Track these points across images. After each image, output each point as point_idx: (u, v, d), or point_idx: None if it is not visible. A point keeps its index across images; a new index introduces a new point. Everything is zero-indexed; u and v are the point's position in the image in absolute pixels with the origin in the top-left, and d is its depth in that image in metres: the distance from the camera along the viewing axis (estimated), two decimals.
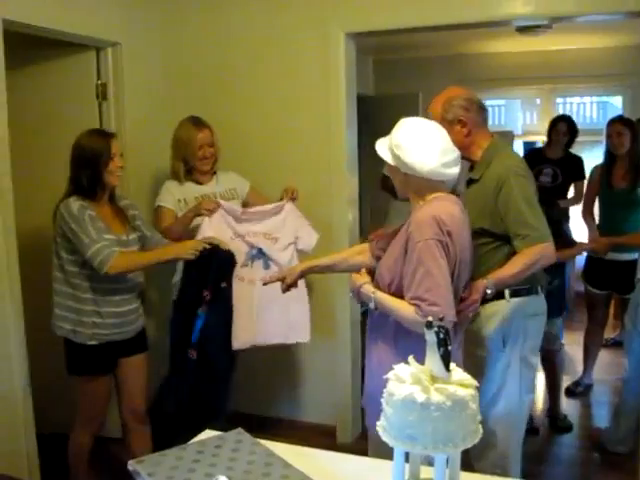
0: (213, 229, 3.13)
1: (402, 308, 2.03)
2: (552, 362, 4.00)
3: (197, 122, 3.33)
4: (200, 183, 3.39)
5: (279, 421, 3.98)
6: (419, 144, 2.05)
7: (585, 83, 6.49)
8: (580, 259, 4.82)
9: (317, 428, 3.92)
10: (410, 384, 1.36)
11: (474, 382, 1.39)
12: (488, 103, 7.26)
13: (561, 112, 6.98)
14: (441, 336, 1.36)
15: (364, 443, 2.41)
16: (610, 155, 4.24)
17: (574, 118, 5.16)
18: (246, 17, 3.76)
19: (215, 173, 3.45)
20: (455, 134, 2.44)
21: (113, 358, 2.89)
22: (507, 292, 2.52)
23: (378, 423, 1.42)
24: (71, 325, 2.78)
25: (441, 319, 1.41)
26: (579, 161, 5.11)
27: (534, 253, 2.39)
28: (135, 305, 2.89)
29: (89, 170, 2.73)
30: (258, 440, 1.92)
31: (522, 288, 2.54)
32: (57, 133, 3.57)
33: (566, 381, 4.60)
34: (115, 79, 3.55)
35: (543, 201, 3.87)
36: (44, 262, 3.41)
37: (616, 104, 7.00)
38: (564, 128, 4.96)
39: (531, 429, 3.90)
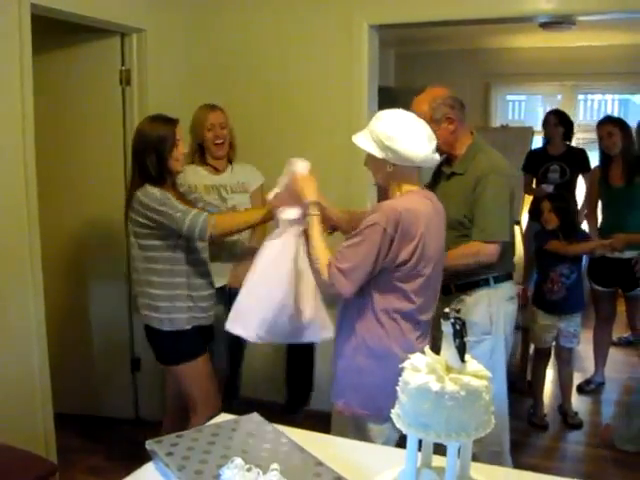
0: None
1: (320, 259, 2.12)
2: (566, 359, 4.02)
3: (209, 105, 3.34)
4: (215, 170, 3.38)
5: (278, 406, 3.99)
6: (409, 133, 2.07)
7: (607, 80, 6.45)
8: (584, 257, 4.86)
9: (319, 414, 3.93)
10: (425, 373, 1.38)
11: (488, 373, 1.42)
12: (508, 98, 7.28)
13: (582, 109, 6.98)
14: (457, 327, 1.38)
15: None
16: (604, 155, 4.25)
17: (595, 116, 5.18)
18: (272, 7, 3.78)
19: (231, 163, 3.43)
20: (442, 131, 2.59)
21: (205, 340, 2.88)
22: (491, 278, 2.71)
23: (393, 410, 1.45)
24: (163, 314, 2.73)
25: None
26: (583, 153, 5.18)
27: (477, 248, 2.60)
28: (212, 291, 2.88)
29: (154, 157, 2.65)
30: (273, 425, 1.96)
31: (503, 274, 2.76)
32: (80, 118, 3.64)
33: (578, 378, 4.61)
34: (139, 65, 3.59)
35: (558, 197, 3.94)
36: (67, 246, 3.49)
37: (638, 102, 6.95)
38: (554, 120, 5.02)
39: (540, 425, 3.94)
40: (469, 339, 2.63)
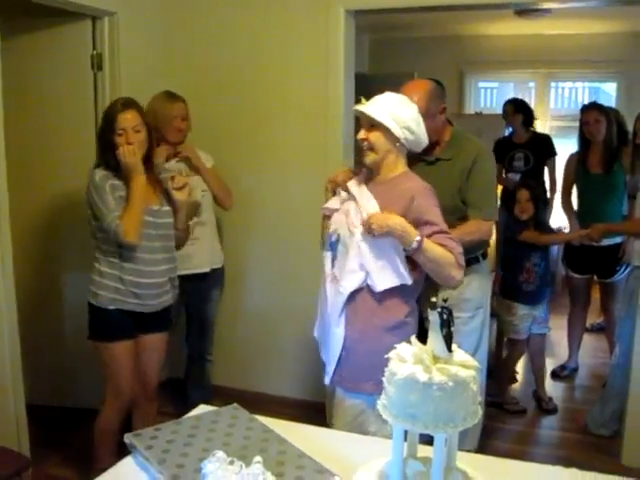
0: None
1: (443, 251, 2.13)
2: (540, 346, 4.06)
3: (170, 95, 3.31)
4: (167, 157, 3.34)
5: (269, 397, 3.97)
6: (420, 120, 2.23)
7: (580, 68, 6.50)
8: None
9: (304, 404, 3.92)
10: (412, 364, 1.37)
11: (475, 363, 1.40)
12: (480, 85, 7.30)
13: (553, 96, 7.03)
14: (444, 317, 1.36)
15: None
16: (584, 142, 4.27)
17: (566, 104, 5.24)
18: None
19: None
20: (437, 122, 2.69)
21: (133, 327, 2.81)
22: (480, 256, 2.89)
23: (379, 402, 1.43)
24: (95, 288, 2.73)
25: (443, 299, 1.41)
26: (547, 139, 5.27)
27: (477, 226, 2.69)
28: (161, 279, 2.77)
29: (103, 141, 2.69)
30: (254, 416, 1.94)
31: (484, 251, 2.94)
32: (51, 104, 3.54)
33: (552, 364, 4.66)
34: (111, 50, 3.49)
35: (533, 186, 3.96)
36: (38, 232, 3.40)
37: (608, 90, 7.02)
38: (511, 110, 5.08)
39: (519, 410, 3.98)
40: (464, 315, 2.79)
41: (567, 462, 3.33)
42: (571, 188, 4.40)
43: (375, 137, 2.18)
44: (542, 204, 4.09)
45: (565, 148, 5.36)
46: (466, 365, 1.38)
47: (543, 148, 5.13)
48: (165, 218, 2.77)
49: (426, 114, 2.44)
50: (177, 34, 3.85)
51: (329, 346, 2.26)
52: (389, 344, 1.46)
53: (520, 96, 5.92)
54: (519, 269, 3.81)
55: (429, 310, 1.39)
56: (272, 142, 3.78)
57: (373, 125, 2.18)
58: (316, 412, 3.71)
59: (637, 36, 5.61)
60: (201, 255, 3.38)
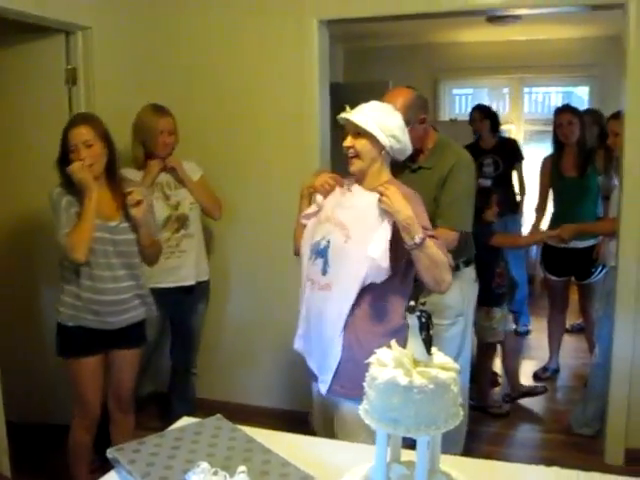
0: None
1: (440, 253, 2.11)
2: (513, 344, 4.22)
3: (159, 109, 3.31)
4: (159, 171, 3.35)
5: (251, 408, 3.96)
6: (405, 128, 2.24)
7: (553, 73, 6.59)
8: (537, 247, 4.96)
9: (289, 414, 3.92)
10: (392, 368, 1.37)
11: (456, 365, 1.41)
12: (454, 92, 7.36)
13: (527, 101, 7.11)
14: (423, 320, 1.37)
15: None
16: (558, 144, 4.31)
17: (539, 109, 5.32)
18: (221, 3, 3.72)
19: None
20: (417, 132, 2.68)
21: (97, 344, 2.78)
22: (461, 263, 2.89)
23: (360, 407, 1.44)
24: (57, 304, 2.72)
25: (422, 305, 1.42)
26: (514, 143, 5.39)
27: (444, 235, 2.56)
28: (123, 296, 2.73)
29: (60, 158, 2.68)
30: (237, 426, 1.93)
31: (467, 259, 2.96)
32: (24, 120, 3.53)
33: (534, 366, 4.70)
34: (85, 64, 3.49)
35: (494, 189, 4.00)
36: (14, 245, 3.36)
37: (580, 94, 7.12)
38: (479, 116, 5.17)
39: (502, 413, 4.00)
40: (444, 322, 2.82)
41: (551, 462, 3.33)
42: (547, 191, 4.45)
43: (361, 145, 2.17)
44: (513, 208, 4.16)
45: (539, 152, 5.44)
46: (446, 367, 1.39)
47: (511, 153, 5.23)
48: (124, 235, 2.71)
49: (405, 122, 2.47)
50: (152, 48, 3.85)
51: (325, 355, 2.19)
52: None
53: (494, 102, 6.02)
54: (491, 275, 3.83)
55: (407, 314, 1.40)
56: (250, 153, 3.79)
57: (359, 133, 2.17)
58: (298, 421, 3.71)
59: (608, 40, 5.66)
60: (188, 268, 3.38)
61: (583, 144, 4.18)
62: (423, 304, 1.41)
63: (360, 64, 6.57)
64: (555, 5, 3.41)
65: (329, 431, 2.28)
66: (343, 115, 2.20)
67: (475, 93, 7.57)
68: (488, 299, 3.85)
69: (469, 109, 7.49)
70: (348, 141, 2.20)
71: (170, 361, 3.72)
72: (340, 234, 2.16)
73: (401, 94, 2.73)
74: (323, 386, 2.23)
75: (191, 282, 3.40)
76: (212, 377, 3.98)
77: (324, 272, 2.18)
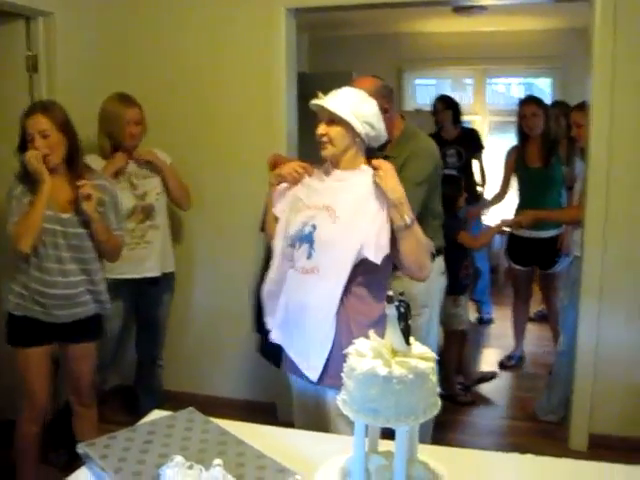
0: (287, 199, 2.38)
1: (424, 236, 2.11)
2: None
3: (125, 98, 3.25)
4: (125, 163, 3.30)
5: (218, 400, 3.93)
6: (380, 116, 2.20)
7: (517, 64, 6.64)
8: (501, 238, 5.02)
9: (255, 405, 3.90)
10: (371, 358, 1.37)
11: (434, 355, 1.41)
12: (417, 83, 7.38)
13: (490, 93, 7.18)
14: (402, 310, 1.37)
15: None
16: (523, 135, 4.35)
17: (501, 100, 5.36)
18: None
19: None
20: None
21: (45, 335, 2.71)
22: None
23: (338, 397, 1.43)
24: (6, 292, 2.67)
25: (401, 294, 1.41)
26: (475, 133, 5.44)
27: None
28: (72, 291, 2.65)
29: (19, 146, 2.61)
30: (210, 418, 1.91)
31: (438, 250, 2.89)
32: None
33: (498, 355, 4.76)
34: (47, 51, 3.40)
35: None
36: None
37: (541, 86, 7.21)
38: (442, 106, 5.20)
39: (468, 401, 4.05)
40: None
41: (517, 449, 3.38)
42: (509, 181, 4.49)
43: (335, 132, 2.13)
44: (475, 198, 4.20)
45: (502, 143, 5.51)
46: (425, 357, 1.39)
47: (472, 143, 5.26)
48: (77, 228, 2.64)
49: None
50: (116, 34, 3.78)
51: (314, 340, 2.12)
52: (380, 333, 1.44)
53: (457, 93, 6.05)
54: (459, 267, 3.89)
55: (385, 304, 1.39)
56: (216, 141, 3.74)
57: (333, 120, 2.12)
58: (265, 412, 3.74)
59: (572, 32, 5.73)
60: (153, 259, 3.34)
61: (547, 135, 4.23)
62: (401, 294, 1.39)
63: (325, 54, 6.53)
64: None
65: (310, 424, 2.22)
66: (316, 101, 2.15)
67: (438, 84, 7.61)
68: (455, 288, 3.90)
69: (432, 100, 7.61)
70: (321, 129, 2.15)
71: (135, 353, 3.66)
72: (326, 216, 2.11)
73: (365, 83, 2.72)
74: (313, 373, 2.13)
75: (156, 273, 3.36)
76: (178, 369, 3.93)
77: (309, 256, 2.11)
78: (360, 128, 2.12)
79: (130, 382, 3.74)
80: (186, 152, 3.66)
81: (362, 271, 2.10)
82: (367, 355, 1.38)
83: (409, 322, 1.38)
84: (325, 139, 2.15)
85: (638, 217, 3.23)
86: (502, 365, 4.60)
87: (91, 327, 2.80)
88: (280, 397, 3.88)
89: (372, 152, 2.33)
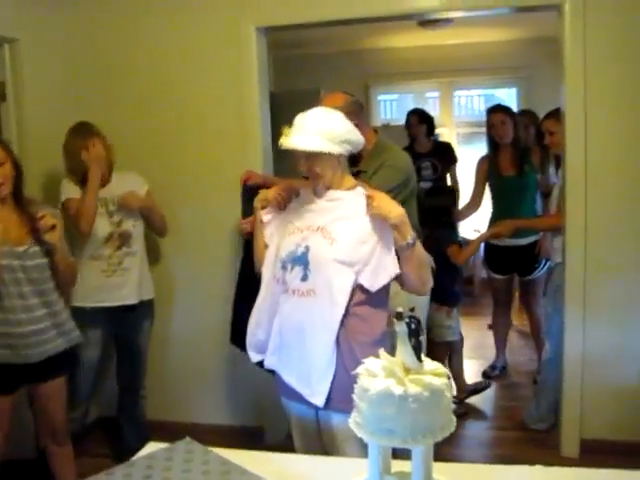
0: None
1: (425, 252, 2.11)
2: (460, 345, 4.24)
3: (82, 131, 3.16)
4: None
5: (203, 427, 3.83)
6: (350, 124, 2.12)
7: (483, 76, 6.73)
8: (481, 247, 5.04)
9: (241, 430, 3.83)
10: (384, 377, 1.33)
11: (446, 370, 1.38)
12: (380, 98, 7.42)
13: (456, 105, 7.25)
14: (412, 327, 1.34)
15: (293, 443, 2.36)
16: (493, 144, 4.37)
17: (467, 111, 5.42)
18: (154, 14, 3.62)
19: (111, 173, 3.29)
20: None
21: (15, 380, 2.58)
22: None
23: (350, 420, 1.39)
24: None
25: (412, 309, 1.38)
26: (449, 147, 5.52)
27: None
28: (38, 326, 2.53)
29: None
30: (209, 448, 1.85)
31: None
32: None
33: (482, 365, 4.76)
34: (14, 78, 3.31)
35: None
36: None
37: (501, 96, 7.31)
38: (416, 120, 5.24)
39: (462, 413, 4.02)
40: None
41: (509, 460, 3.41)
42: (481, 191, 4.49)
43: (319, 165, 2.07)
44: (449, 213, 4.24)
45: (471, 154, 5.57)
46: (437, 373, 1.36)
47: (446, 155, 5.32)
48: (35, 259, 2.53)
49: None
50: (86, 57, 3.71)
51: (315, 365, 2.06)
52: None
53: (420, 106, 6.08)
54: (452, 278, 3.91)
55: (395, 321, 1.36)
56: (190, 163, 3.68)
57: (310, 154, 2.05)
58: (252, 436, 3.67)
59: (536, 42, 5.83)
60: (130, 286, 3.26)
61: (518, 142, 4.25)
62: (412, 310, 1.36)
63: (291, 72, 6.51)
64: (490, 7, 3.46)
65: (312, 448, 2.18)
66: (287, 143, 2.04)
67: (400, 98, 7.67)
68: (448, 300, 3.93)
69: (394, 114, 7.64)
70: (303, 165, 2.09)
71: (117, 383, 3.56)
72: (321, 238, 2.06)
73: (334, 99, 2.73)
74: (319, 398, 2.07)
75: (134, 301, 3.28)
76: (160, 397, 3.83)
77: (304, 278, 2.06)
78: (339, 149, 2.06)
79: (113, 413, 3.64)
80: (160, 174, 3.60)
81: (362, 290, 2.06)
82: (379, 375, 1.34)
83: (420, 338, 1.35)
84: (312, 174, 2.09)
85: (617, 222, 3.26)
86: (486, 375, 4.59)
87: (62, 363, 2.69)
88: (267, 421, 3.83)
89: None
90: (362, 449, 1.99)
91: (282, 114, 3.94)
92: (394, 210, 1.99)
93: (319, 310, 2.05)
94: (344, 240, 2.04)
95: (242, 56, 3.55)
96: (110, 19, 3.68)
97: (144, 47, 3.66)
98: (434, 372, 1.35)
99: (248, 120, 3.59)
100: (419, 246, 2.05)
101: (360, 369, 1.39)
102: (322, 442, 2.18)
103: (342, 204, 2.11)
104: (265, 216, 2.28)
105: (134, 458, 1.84)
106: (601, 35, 3.15)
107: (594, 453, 3.34)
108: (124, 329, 3.38)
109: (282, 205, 2.25)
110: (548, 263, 4.17)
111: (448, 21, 4.71)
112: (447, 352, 4.15)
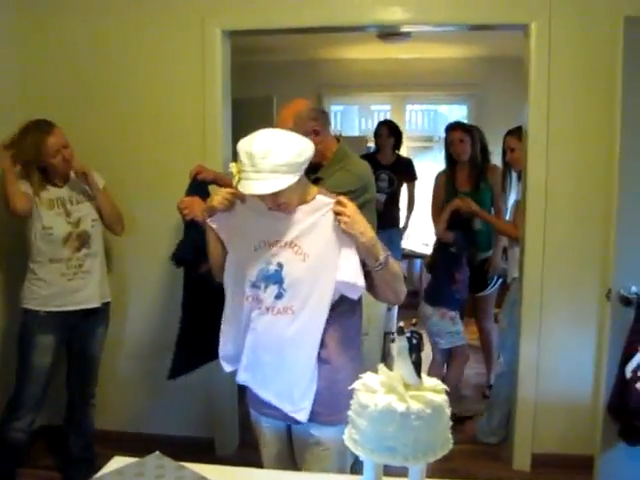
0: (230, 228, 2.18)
1: (397, 265, 2.05)
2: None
3: (44, 125, 3.02)
4: (55, 185, 3.12)
5: (153, 437, 3.71)
6: (297, 137, 1.98)
7: (435, 91, 6.81)
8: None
9: (192, 441, 3.72)
10: (384, 393, 1.29)
11: (444, 386, 1.36)
12: (333, 109, 7.43)
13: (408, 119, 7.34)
14: (414, 342, 1.31)
15: (245, 454, 2.32)
16: (451, 161, 4.41)
17: (407, 126, 5.49)
18: (116, 15, 3.52)
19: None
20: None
21: None
22: None
23: (346, 437, 1.35)
24: None
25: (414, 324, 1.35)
26: (410, 163, 5.56)
27: None
28: None
29: None
30: (181, 463, 1.77)
31: None
32: None
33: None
34: None
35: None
36: None
37: (443, 112, 7.45)
38: (386, 132, 5.29)
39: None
40: None
41: (463, 473, 3.43)
42: (442, 208, 4.48)
43: (282, 197, 1.93)
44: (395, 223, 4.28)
45: (420, 167, 5.66)
46: (437, 390, 1.33)
47: (405, 171, 5.36)
48: None
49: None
50: (40, 59, 3.58)
51: (297, 381, 2.03)
52: (356, 368, 1.37)
53: (364, 119, 6.12)
54: (451, 280, 3.99)
55: (396, 335, 1.32)
56: (150, 165, 3.58)
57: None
58: (202, 447, 3.57)
59: (487, 61, 5.95)
60: (92, 289, 3.13)
61: (475, 160, 4.29)
62: (414, 324, 1.33)
63: (245, 79, 6.42)
64: (455, 23, 3.49)
65: (283, 464, 2.15)
66: (246, 190, 1.89)
67: (345, 110, 7.70)
68: (452, 305, 4.01)
69: (339, 126, 7.64)
70: (267, 202, 1.97)
71: (66, 391, 3.40)
72: (292, 254, 2.00)
73: (293, 106, 2.73)
74: (301, 414, 2.02)
75: (96, 304, 3.16)
76: (108, 406, 3.70)
77: (279, 296, 2.00)
78: (299, 174, 1.93)
79: (59, 422, 3.48)
80: (119, 176, 3.48)
81: (337, 304, 2.03)
82: (378, 390, 1.31)
83: (421, 354, 1.32)
84: (279, 207, 1.98)
85: (575, 238, 3.32)
86: None
87: None
88: (218, 432, 3.74)
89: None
90: (340, 463, 1.99)
91: (235, 120, 3.92)
92: (365, 231, 1.91)
93: (299, 328, 2.00)
94: (316, 253, 1.99)
95: (206, 59, 3.48)
96: (67, 16, 3.55)
97: (108, 44, 3.55)
98: (433, 388, 1.33)
99: (211, 124, 3.53)
100: (392, 262, 1.99)
101: (357, 384, 1.35)
102: (294, 456, 2.13)
103: (310, 218, 2.01)
104: (213, 223, 2.14)
105: (100, 474, 1.75)
106: (565, 55, 3.22)
107: (545, 467, 3.39)
108: (78, 336, 3.24)
109: (229, 208, 2.09)
110: (499, 280, 4.23)
111: (407, 35, 4.74)
112: (461, 357, 4.20)
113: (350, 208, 1.93)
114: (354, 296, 2.01)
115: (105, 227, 3.24)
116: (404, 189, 5.51)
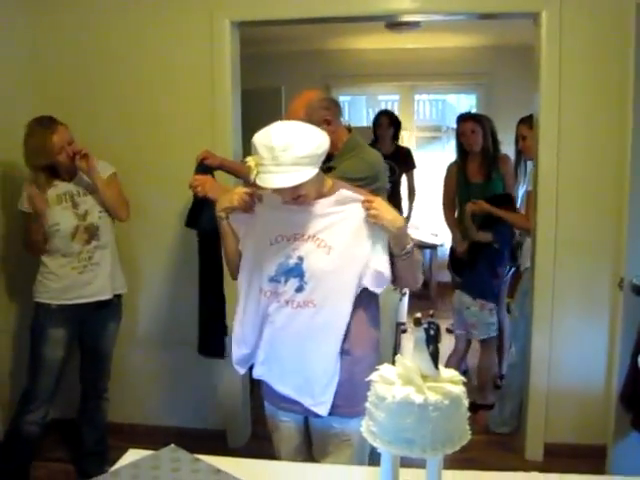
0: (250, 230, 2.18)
1: (418, 252, 2.08)
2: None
3: (47, 123, 3.00)
4: (64, 180, 3.11)
5: (164, 430, 3.72)
6: (315, 131, 1.97)
7: (444, 81, 6.77)
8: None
9: (203, 433, 3.73)
10: (401, 385, 1.29)
11: (462, 378, 1.35)
12: (342, 99, 7.41)
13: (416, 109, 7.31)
14: (432, 333, 1.30)
15: (257, 446, 2.32)
16: (462, 151, 4.38)
17: (415, 116, 5.53)
18: (125, 7, 3.51)
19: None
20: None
21: None
22: None
23: (363, 429, 1.34)
24: None
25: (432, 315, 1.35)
26: (409, 152, 5.61)
27: None
28: None
29: None
30: (196, 456, 1.78)
31: None
32: None
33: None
34: None
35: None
36: None
37: (451, 102, 7.41)
38: (386, 122, 5.32)
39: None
40: None
41: (473, 463, 3.42)
42: (454, 199, 4.45)
43: (302, 189, 1.93)
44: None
45: (428, 158, 5.68)
46: (454, 381, 1.33)
47: (405, 160, 5.38)
48: None
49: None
50: (52, 53, 3.57)
51: (317, 375, 2.01)
52: (376, 358, 1.37)
53: (371, 109, 6.12)
54: (494, 273, 4.03)
55: (412, 327, 1.32)
56: (160, 156, 3.58)
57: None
58: (215, 440, 3.58)
59: (496, 49, 5.91)
60: (102, 281, 3.12)
61: (487, 150, 4.25)
62: (432, 315, 1.32)
63: (254, 70, 6.40)
64: (466, 12, 3.45)
65: (298, 455, 2.15)
66: (266, 184, 1.88)
67: (353, 100, 7.69)
68: (492, 296, 4.03)
69: (347, 117, 7.62)
70: (288, 196, 1.97)
71: (79, 384, 3.41)
72: (314, 247, 1.98)
73: (305, 96, 2.71)
74: (322, 408, 2.01)
75: (108, 296, 3.16)
76: (121, 398, 3.70)
77: (300, 289, 1.98)
78: (318, 166, 1.93)
79: (72, 414, 3.49)
80: (127, 167, 3.45)
81: (360, 297, 2.02)
82: (395, 382, 1.30)
83: (438, 345, 1.32)
84: (298, 200, 1.98)
85: (587, 227, 3.30)
86: None
87: None
88: (230, 424, 3.75)
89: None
90: (361, 452, 2.00)
91: (244, 111, 3.91)
92: (395, 219, 1.92)
93: (321, 321, 1.99)
94: (341, 247, 1.98)
95: (215, 51, 3.46)
96: (78, 10, 3.55)
97: (113, 40, 3.54)
98: (451, 380, 1.32)
99: (221, 115, 3.52)
100: (416, 249, 2.01)
101: (374, 376, 1.35)
102: (311, 448, 2.14)
103: (330, 211, 2.01)
104: (234, 223, 2.13)
105: (116, 467, 1.76)
106: (576, 43, 3.18)
107: (558, 456, 3.39)
108: (89, 330, 3.24)
109: (248, 208, 2.09)
110: (512, 269, 4.21)
111: (416, 25, 4.71)
112: (493, 347, 4.22)
113: (377, 200, 1.95)
114: (379, 288, 2.01)
115: (108, 214, 3.23)
116: (403, 179, 5.56)
